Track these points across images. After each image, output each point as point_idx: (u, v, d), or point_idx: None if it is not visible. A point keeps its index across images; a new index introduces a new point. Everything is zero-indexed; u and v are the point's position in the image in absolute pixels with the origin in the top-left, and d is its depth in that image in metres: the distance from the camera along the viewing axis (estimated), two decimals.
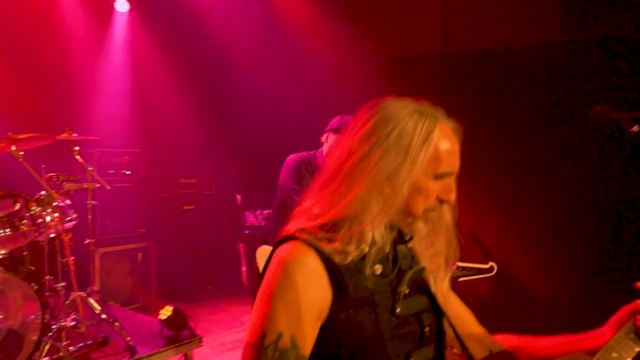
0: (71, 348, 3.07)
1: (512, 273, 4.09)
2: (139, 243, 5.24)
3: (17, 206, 3.03)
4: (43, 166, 3.39)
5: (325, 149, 3.08)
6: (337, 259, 0.97)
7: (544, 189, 3.82)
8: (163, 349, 3.29)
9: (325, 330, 0.97)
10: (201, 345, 3.49)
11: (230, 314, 5.06)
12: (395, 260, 1.06)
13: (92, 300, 3.24)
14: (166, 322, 3.41)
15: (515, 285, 4.09)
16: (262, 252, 3.04)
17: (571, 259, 3.82)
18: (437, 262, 1.11)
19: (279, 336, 0.91)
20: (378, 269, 1.02)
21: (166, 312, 3.43)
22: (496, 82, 4.05)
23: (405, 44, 4.56)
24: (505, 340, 1.20)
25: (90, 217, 3.57)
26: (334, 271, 0.96)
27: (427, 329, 1.06)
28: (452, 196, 1.06)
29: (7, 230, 2.93)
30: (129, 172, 5.23)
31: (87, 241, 3.58)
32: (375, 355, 0.97)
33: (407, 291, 1.05)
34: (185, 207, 5.66)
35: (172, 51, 5.85)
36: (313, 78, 5.06)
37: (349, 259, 0.97)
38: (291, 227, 1.04)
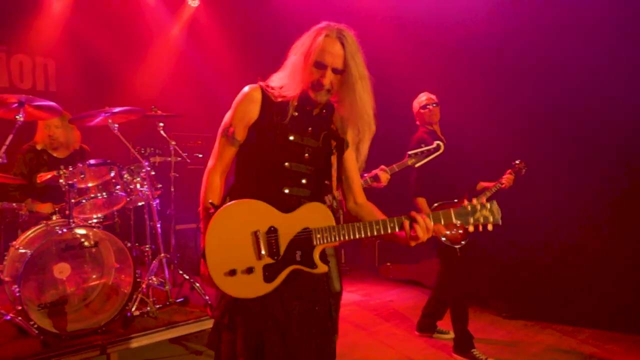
0: (157, 306, 3.37)
1: None
2: None
3: (112, 174, 3.35)
4: (131, 143, 3.72)
5: None
6: (272, 97, 1.76)
7: None
8: None
9: (249, 131, 1.77)
10: None
11: None
12: (306, 114, 1.79)
13: (175, 262, 3.52)
14: None
15: None
16: None
17: None
18: (344, 127, 1.82)
19: (227, 125, 1.78)
20: (295, 113, 1.76)
21: None
22: None
23: None
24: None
25: (172, 188, 3.86)
26: (267, 101, 1.76)
27: (306, 154, 1.77)
28: (324, 80, 1.71)
29: (104, 193, 3.25)
30: (200, 155, 5.55)
31: (169, 211, 3.87)
32: (267, 148, 1.74)
33: (309, 130, 1.78)
34: None
35: (239, 44, 6.16)
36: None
37: (279, 100, 1.76)
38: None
